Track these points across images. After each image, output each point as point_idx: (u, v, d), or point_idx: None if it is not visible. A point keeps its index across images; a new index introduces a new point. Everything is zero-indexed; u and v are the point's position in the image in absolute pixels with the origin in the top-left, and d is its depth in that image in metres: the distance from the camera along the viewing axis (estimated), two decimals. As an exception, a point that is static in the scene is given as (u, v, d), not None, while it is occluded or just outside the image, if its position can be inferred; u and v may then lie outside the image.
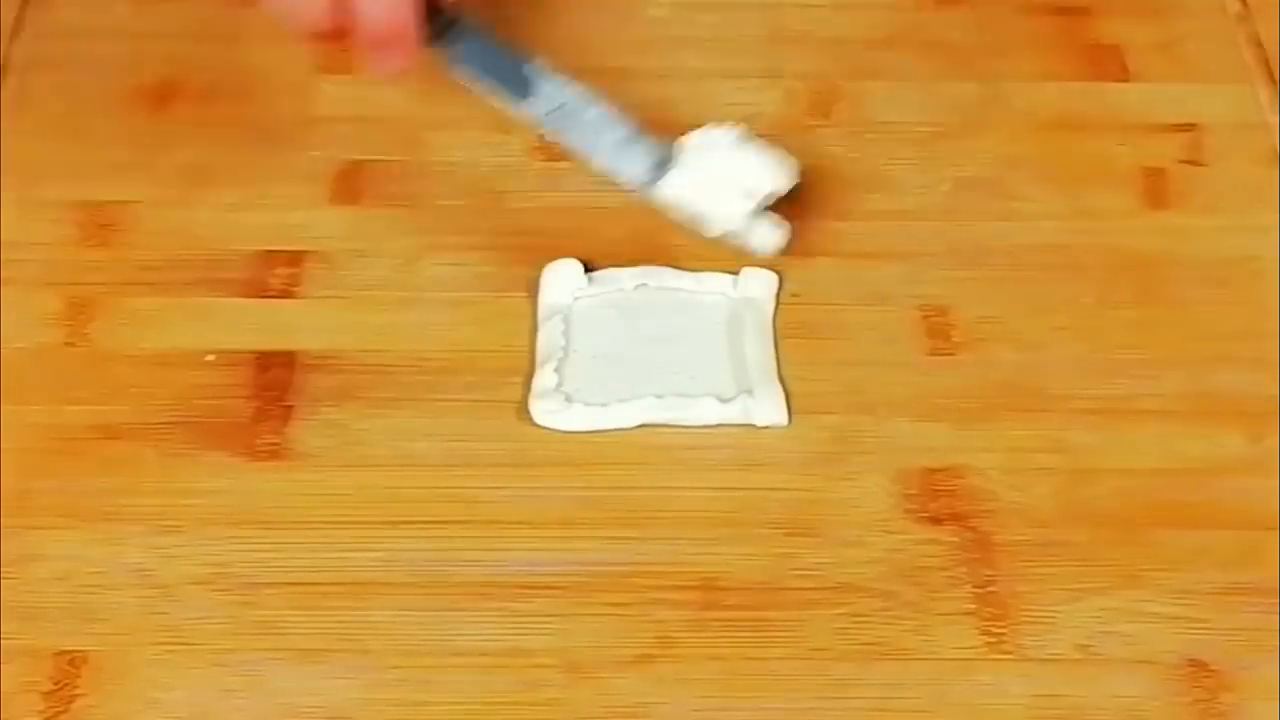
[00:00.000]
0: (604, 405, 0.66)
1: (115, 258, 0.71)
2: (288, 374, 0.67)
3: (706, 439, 0.66)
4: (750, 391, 0.66)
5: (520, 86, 0.68)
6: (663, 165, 0.68)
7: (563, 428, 0.65)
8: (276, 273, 0.71)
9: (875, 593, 0.61)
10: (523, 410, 0.66)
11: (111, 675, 0.59)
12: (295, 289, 0.70)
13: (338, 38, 0.67)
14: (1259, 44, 0.79)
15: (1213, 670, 0.59)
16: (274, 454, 0.65)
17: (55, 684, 0.59)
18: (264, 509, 0.63)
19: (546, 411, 0.66)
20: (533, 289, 0.70)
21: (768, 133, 0.75)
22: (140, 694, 0.59)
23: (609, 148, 0.68)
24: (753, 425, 0.66)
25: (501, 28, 0.80)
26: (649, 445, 0.65)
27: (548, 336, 0.68)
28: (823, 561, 0.62)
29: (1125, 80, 0.78)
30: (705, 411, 0.66)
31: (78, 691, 0.59)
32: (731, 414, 0.66)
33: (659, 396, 0.66)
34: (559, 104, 0.68)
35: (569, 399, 0.66)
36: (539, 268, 0.70)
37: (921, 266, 0.71)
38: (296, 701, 0.58)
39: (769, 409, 0.66)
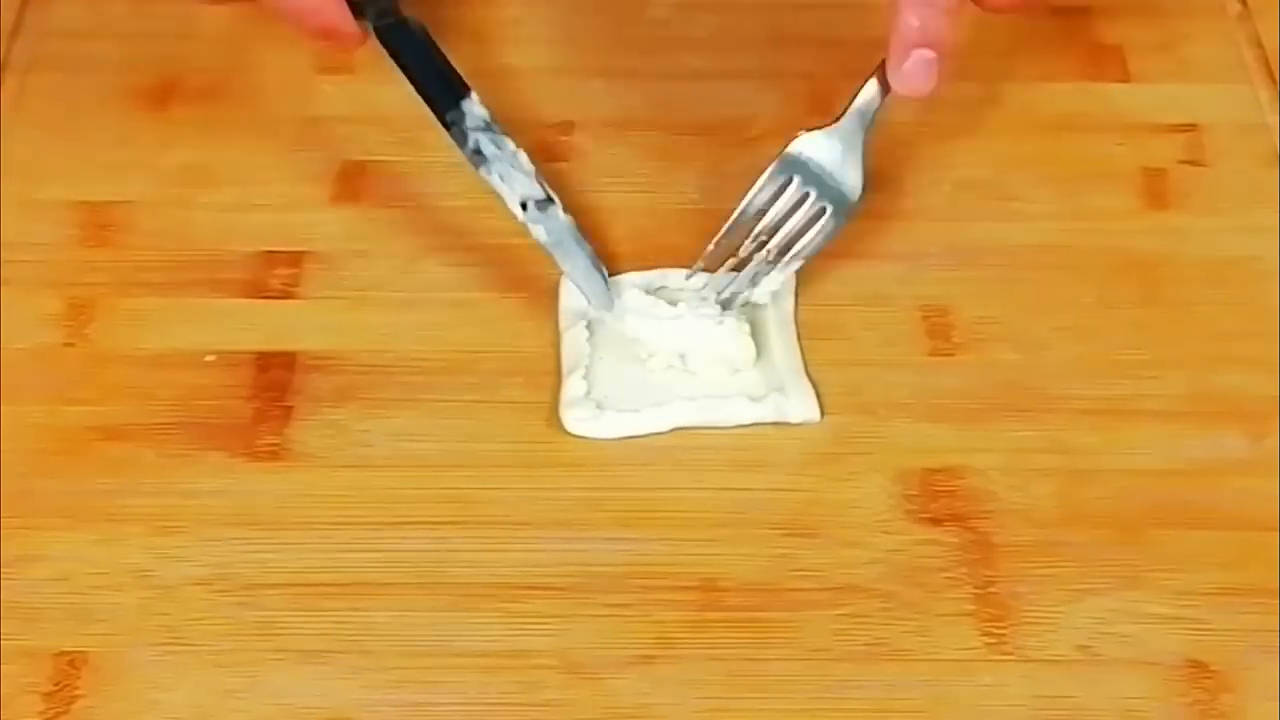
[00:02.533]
0: (636, 411, 0.66)
1: (115, 258, 0.71)
2: (288, 374, 0.67)
3: (707, 439, 0.66)
4: (781, 389, 0.66)
5: (448, 100, 0.68)
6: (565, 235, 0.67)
7: (596, 435, 0.65)
8: (276, 273, 0.71)
9: (875, 593, 0.61)
10: (522, 408, 0.66)
11: (111, 676, 0.59)
12: (295, 289, 0.70)
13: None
14: (1259, 44, 0.79)
15: (1213, 670, 0.59)
16: (274, 454, 0.65)
17: (55, 685, 0.59)
18: (264, 509, 0.63)
19: (579, 420, 0.65)
20: (535, 284, 0.69)
21: (767, 133, 0.75)
22: (140, 694, 0.59)
23: (516, 200, 0.67)
24: (787, 423, 0.65)
25: (500, 29, 0.81)
26: (649, 446, 0.65)
27: (572, 343, 0.67)
28: (823, 562, 0.62)
29: (1125, 80, 0.78)
30: (738, 411, 0.66)
31: (77, 692, 0.59)
32: (765, 413, 0.66)
33: (690, 399, 0.66)
34: (483, 125, 0.67)
35: (600, 406, 0.66)
36: (539, 268, 0.70)
37: (921, 266, 0.71)
38: (296, 702, 0.58)
39: (801, 405, 0.66)
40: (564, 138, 0.76)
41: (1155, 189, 0.74)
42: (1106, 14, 0.80)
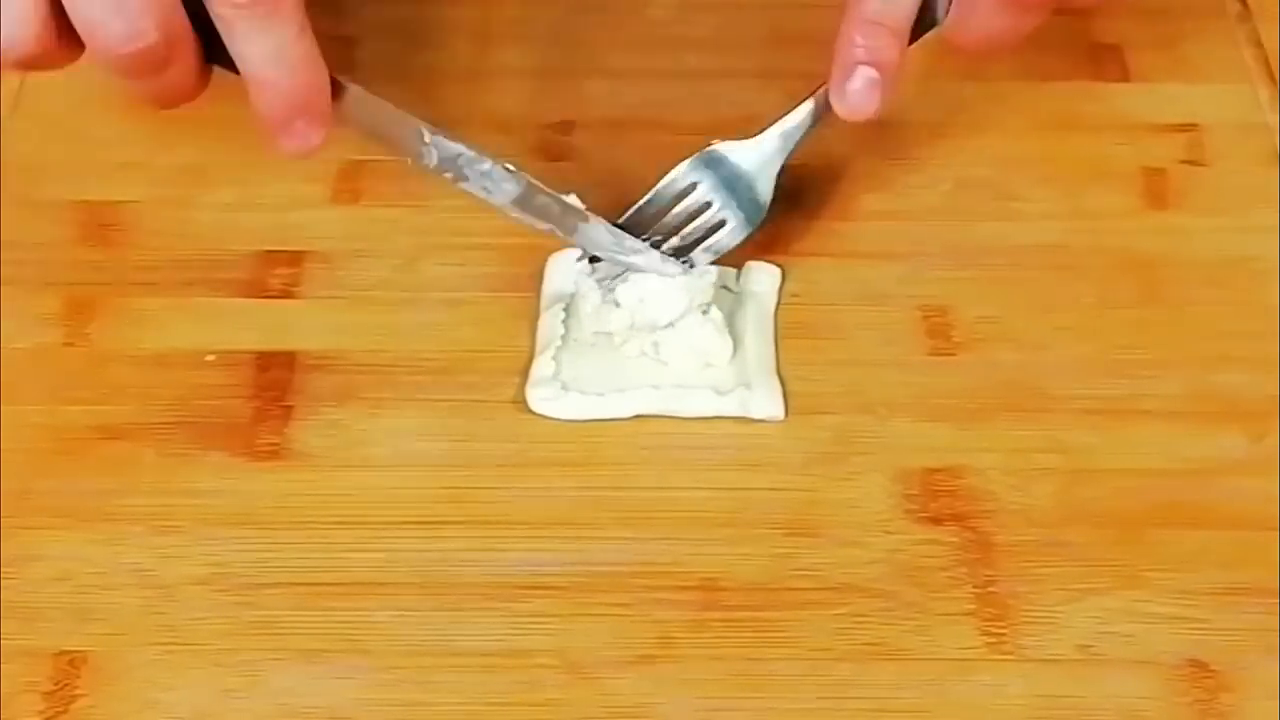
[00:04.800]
0: (600, 395, 0.66)
1: (115, 258, 0.71)
2: (288, 374, 0.67)
3: (707, 438, 0.66)
4: (748, 385, 0.66)
5: (410, 144, 0.65)
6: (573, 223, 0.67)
7: (558, 416, 0.65)
8: (276, 273, 0.71)
9: (875, 593, 0.61)
10: (522, 408, 0.66)
11: (111, 675, 0.59)
12: (295, 289, 0.70)
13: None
14: (1259, 44, 0.79)
15: (1213, 670, 0.59)
16: (274, 454, 0.65)
17: (55, 684, 0.59)
18: (264, 509, 0.63)
19: (542, 399, 0.66)
20: (535, 285, 0.69)
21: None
22: (140, 694, 0.59)
23: (508, 201, 0.66)
24: (749, 418, 0.66)
25: (499, 28, 0.81)
26: (650, 445, 0.65)
27: (548, 324, 0.68)
28: (823, 561, 0.62)
29: (1125, 80, 0.78)
30: (701, 403, 0.66)
31: (77, 692, 0.59)
32: (728, 407, 0.66)
33: (655, 387, 0.66)
34: (454, 156, 0.65)
35: (565, 387, 0.66)
36: (538, 267, 0.70)
37: (921, 266, 0.71)
38: (296, 702, 0.58)
39: (766, 402, 0.66)
40: (564, 138, 0.76)
41: (1155, 189, 0.74)
42: (1106, 14, 0.80)
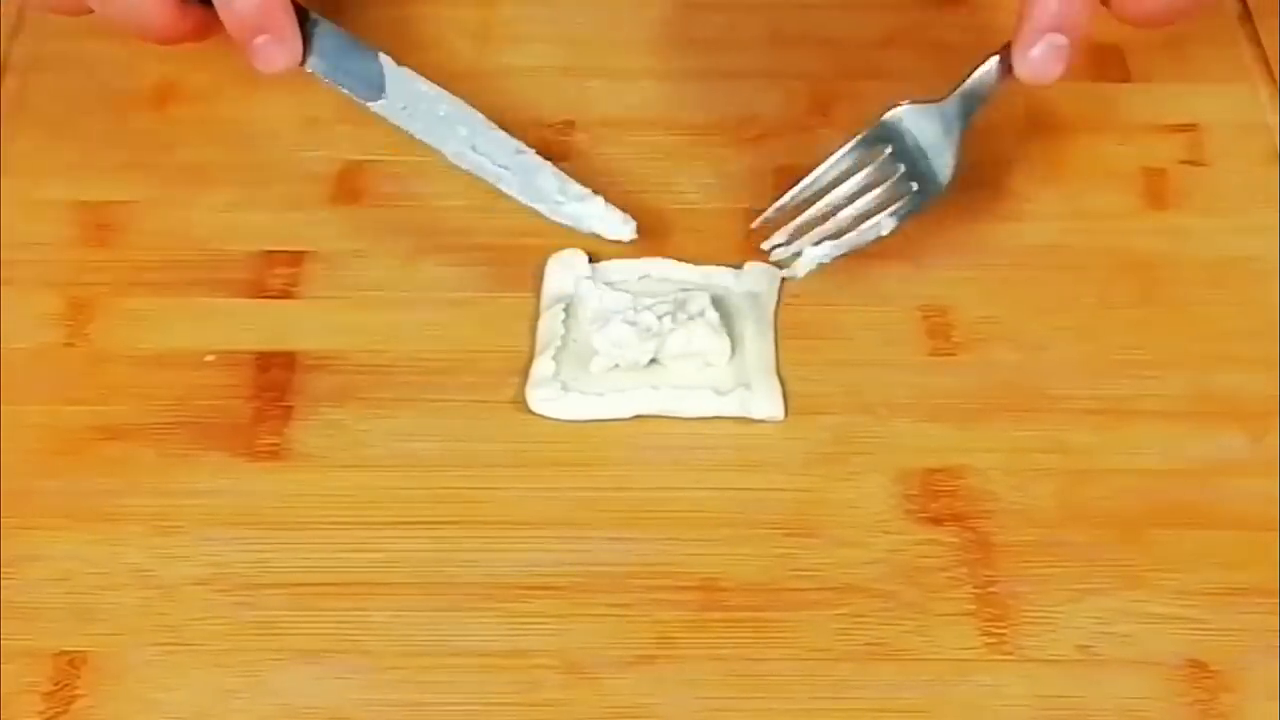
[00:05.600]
0: (600, 395, 0.66)
1: (115, 258, 0.71)
2: (288, 374, 0.67)
3: (707, 438, 0.66)
4: (748, 385, 0.66)
5: (371, 84, 0.68)
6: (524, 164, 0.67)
7: (558, 416, 0.65)
8: (276, 273, 0.71)
9: (875, 593, 0.61)
10: (522, 408, 0.66)
11: (111, 676, 0.59)
12: (295, 289, 0.70)
13: (195, 38, 0.68)
14: (1259, 44, 0.79)
15: (1213, 670, 0.59)
16: (274, 454, 0.65)
17: (55, 684, 0.59)
18: (264, 509, 0.63)
19: (543, 399, 0.66)
20: (535, 285, 0.69)
21: (767, 133, 0.75)
22: (140, 694, 0.59)
23: (461, 142, 0.67)
24: (749, 418, 0.66)
25: (500, 29, 0.81)
26: (650, 445, 0.65)
27: (548, 324, 0.68)
28: (823, 562, 0.62)
29: (1125, 80, 0.78)
30: (701, 403, 0.66)
31: (77, 692, 0.59)
32: (728, 407, 0.66)
33: (655, 387, 0.66)
34: (411, 96, 0.67)
35: (565, 387, 0.66)
36: (539, 267, 0.70)
37: (921, 266, 0.71)
38: (296, 702, 0.58)
39: (766, 402, 0.66)
40: (564, 138, 0.76)
41: (1155, 189, 0.74)
42: (1106, 14, 0.80)
